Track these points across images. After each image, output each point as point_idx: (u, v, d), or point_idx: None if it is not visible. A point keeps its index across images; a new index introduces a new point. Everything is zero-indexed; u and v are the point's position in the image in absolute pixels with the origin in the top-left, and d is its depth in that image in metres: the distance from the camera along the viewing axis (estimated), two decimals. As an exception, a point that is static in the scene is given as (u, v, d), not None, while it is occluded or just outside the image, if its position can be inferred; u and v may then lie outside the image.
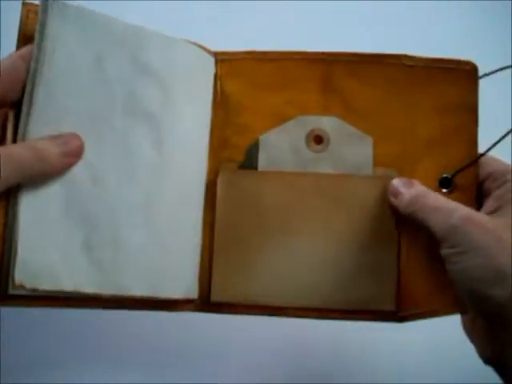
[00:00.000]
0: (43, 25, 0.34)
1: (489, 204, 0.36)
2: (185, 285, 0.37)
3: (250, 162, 0.39)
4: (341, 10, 0.53)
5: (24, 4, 0.35)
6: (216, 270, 0.38)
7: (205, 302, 0.38)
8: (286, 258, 0.38)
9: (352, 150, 0.39)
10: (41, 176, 0.33)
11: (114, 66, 0.36)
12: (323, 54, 0.40)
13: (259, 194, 0.39)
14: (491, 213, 0.35)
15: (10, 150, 0.31)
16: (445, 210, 0.34)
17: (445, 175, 0.38)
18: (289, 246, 0.38)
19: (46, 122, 0.33)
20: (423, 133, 0.39)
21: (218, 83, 0.40)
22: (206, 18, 0.50)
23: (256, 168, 0.39)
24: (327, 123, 0.39)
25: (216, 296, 0.38)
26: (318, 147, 0.39)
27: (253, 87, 0.40)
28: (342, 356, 0.48)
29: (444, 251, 0.33)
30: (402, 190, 0.36)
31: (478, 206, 0.37)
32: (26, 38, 0.35)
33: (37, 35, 0.33)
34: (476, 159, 0.38)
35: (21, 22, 0.35)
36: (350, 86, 0.39)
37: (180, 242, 0.37)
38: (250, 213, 0.39)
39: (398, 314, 0.37)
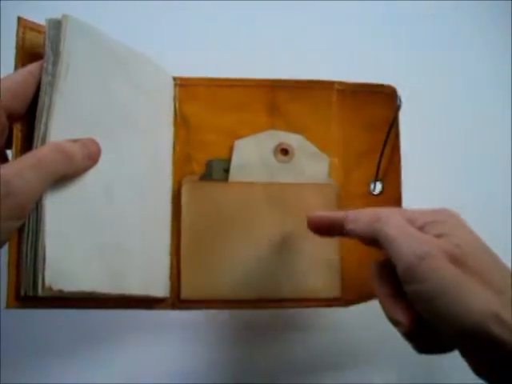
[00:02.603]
0: (56, 41, 0.35)
1: None
2: (164, 285, 0.42)
3: (209, 173, 0.45)
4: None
5: (20, 20, 0.36)
6: (184, 271, 0.43)
7: (176, 300, 0.43)
8: (245, 256, 0.43)
9: (312, 164, 0.45)
10: (66, 177, 0.34)
11: (116, 84, 0.39)
12: (268, 80, 0.46)
13: (218, 202, 0.44)
14: None
15: (40, 153, 0.32)
16: (408, 234, 0.32)
17: (372, 181, 0.45)
18: (246, 246, 0.43)
19: (64, 131, 0.35)
20: (355, 146, 0.46)
21: (177, 105, 0.45)
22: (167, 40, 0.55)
23: (212, 179, 0.44)
24: (294, 139, 0.45)
25: (185, 294, 0.43)
26: (284, 158, 0.45)
27: (209, 109, 0.45)
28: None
29: (410, 287, 0.31)
30: (361, 212, 0.36)
31: None
32: (25, 53, 0.36)
33: (48, 51, 0.35)
34: (381, 156, 0.45)
35: (17, 37, 0.36)
36: (292, 108, 0.46)
37: (159, 247, 0.42)
38: (211, 218, 0.44)
39: (344, 299, 0.44)
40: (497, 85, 0.58)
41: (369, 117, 0.46)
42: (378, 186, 0.45)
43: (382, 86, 0.46)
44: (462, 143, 0.56)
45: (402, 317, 0.31)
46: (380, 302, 0.34)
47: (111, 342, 0.48)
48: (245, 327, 0.49)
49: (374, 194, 0.45)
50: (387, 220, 0.33)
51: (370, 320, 0.47)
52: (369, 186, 0.45)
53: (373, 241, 0.34)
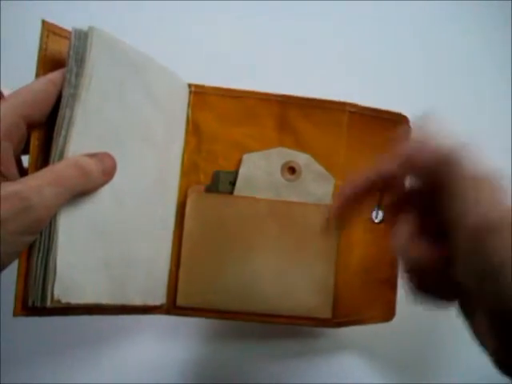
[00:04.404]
0: (81, 52, 0.35)
1: None
2: (162, 293, 0.43)
3: (215, 185, 0.45)
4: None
5: (44, 24, 0.36)
6: (182, 279, 0.44)
7: (172, 307, 0.44)
8: (243, 270, 0.44)
9: (317, 185, 0.46)
10: (83, 193, 0.35)
11: (132, 94, 0.39)
12: (281, 96, 0.46)
13: (221, 214, 0.45)
14: None
15: (58, 169, 0.33)
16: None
17: (375, 209, 0.46)
18: (245, 260, 0.44)
19: (82, 145, 0.35)
20: (361, 170, 0.46)
21: (190, 112, 0.45)
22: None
23: (218, 190, 0.45)
24: (302, 158, 0.46)
25: (181, 301, 0.44)
26: (290, 177, 0.46)
27: (220, 119, 0.46)
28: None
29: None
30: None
31: None
32: (46, 59, 0.36)
33: (72, 61, 0.35)
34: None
35: (41, 42, 0.36)
36: (302, 126, 0.46)
37: (161, 256, 0.43)
38: (213, 230, 0.44)
39: (334, 320, 0.45)
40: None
41: (378, 143, 0.46)
42: (380, 215, 0.46)
43: (394, 113, 0.46)
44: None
45: (430, 252, 0.29)
46: (398, 244, 0.31)
47: (111, 341, 0.50)
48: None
49: (374, 222, 0.46)
50: (463, 163, 0.28)
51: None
52: (370, 212, 0.46)
53: (431, 179, 0.29)
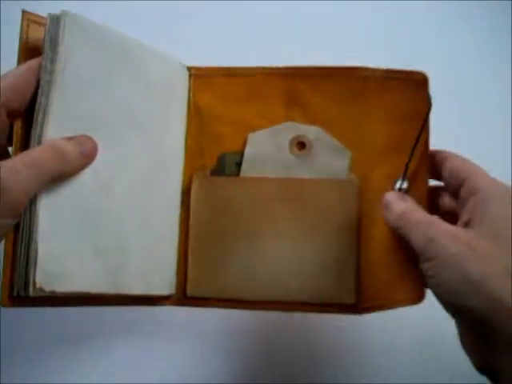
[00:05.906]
0: (55, 37, 0.34)
1: (462, 217, 0.36)
2: (169, 283, 0.41)
3: (221, 168, 0.43)
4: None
5: (24, 13, 0.36)
6: (191, 268, 0.42)
7: (181, 297, 0.42)
8: (255, 256, 0.41)
9: (331, 159, 0.42)
10: (60, 176, 0.34)
11: (121, 81, 0.38)
12: (287, 68, 0.43)
13: (229, 198, 0.42)
14: (465, 225, 0.35)
15: (34, 152, 0.33)
16: (424, 223, 0.35)
17: (398, 180, 0.41)
18: (257, 246, 0.41)
19: (61, 130, 0.34)
20: (379, 140, 0.42)
21: (191, 95, 0.44)
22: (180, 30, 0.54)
23: (225, 173, 0.42)
24: (312, 132, 0.42)
25: (191, 291, 0.42)
26: (300, 153, 0.42)
27: (224, 100, 0.43)
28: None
29: (423, 266, 0.34)
30: (393, 204, 0.38)
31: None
32: (27, 48, 0.36)
33: (47, 47, 0.34)
34: (412, 151, 0.40)
35: (21, 31, 0.36)
36: (312, 99, 0.43)
37: (165, 244, 0.41)
38: (221, 215, 0.42)
39: (359, 306, 0.41)
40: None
41: (396, 107, 0.42)
42: (404, 184, 0.41)
43: (411, 72, 0.41)
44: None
45: None
46: None
47: (112, 341, 0.49)
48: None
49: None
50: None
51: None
52: (394, 182, 0.41)
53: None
